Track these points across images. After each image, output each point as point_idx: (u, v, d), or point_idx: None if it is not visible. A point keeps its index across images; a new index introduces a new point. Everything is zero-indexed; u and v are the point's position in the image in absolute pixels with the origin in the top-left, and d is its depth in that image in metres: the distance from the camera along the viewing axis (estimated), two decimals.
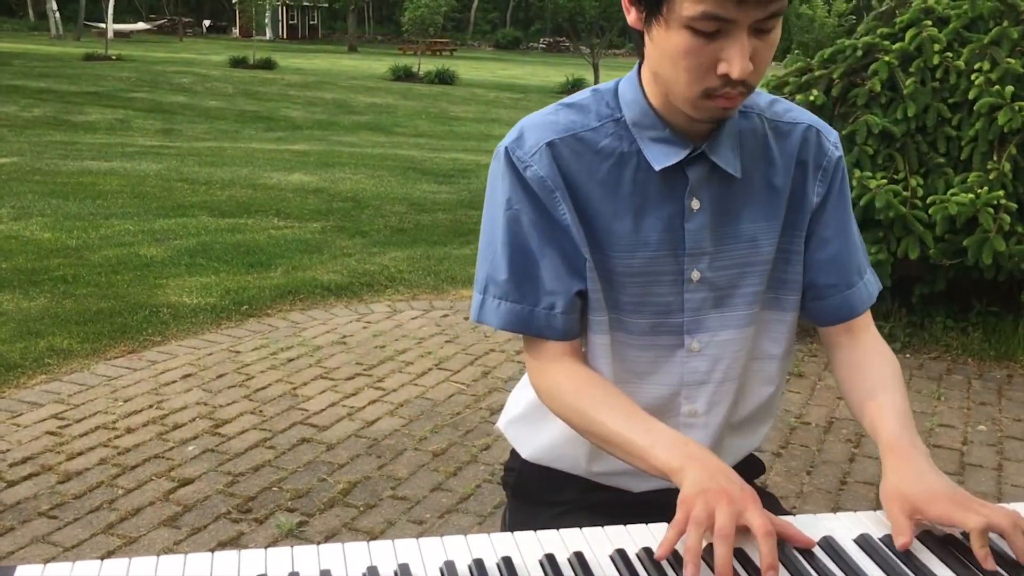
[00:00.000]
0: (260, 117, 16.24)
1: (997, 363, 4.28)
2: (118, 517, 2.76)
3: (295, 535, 2.70)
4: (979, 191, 4.12)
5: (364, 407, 3.61)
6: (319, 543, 2.68)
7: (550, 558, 1.02)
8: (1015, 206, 4.12)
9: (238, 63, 26.98)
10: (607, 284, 1.24)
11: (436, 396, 3.75)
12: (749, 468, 1.47)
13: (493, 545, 1.06)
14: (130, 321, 4.44)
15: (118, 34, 42.24)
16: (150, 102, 16.75)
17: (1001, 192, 4.11)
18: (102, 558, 2.55)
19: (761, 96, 1.29)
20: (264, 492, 2.94)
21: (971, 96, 4.36)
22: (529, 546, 1.06)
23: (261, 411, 3.55)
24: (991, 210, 4.06)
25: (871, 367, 1.30)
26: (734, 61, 1.06)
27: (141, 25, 50.81)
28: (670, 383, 1.29)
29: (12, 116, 14.15)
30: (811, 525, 1.10)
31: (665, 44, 1.10)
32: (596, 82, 23.56)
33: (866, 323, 1.36)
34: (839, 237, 1.31)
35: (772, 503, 1.48)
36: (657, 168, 1.20)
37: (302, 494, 2.93)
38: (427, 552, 1.04)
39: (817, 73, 4.73)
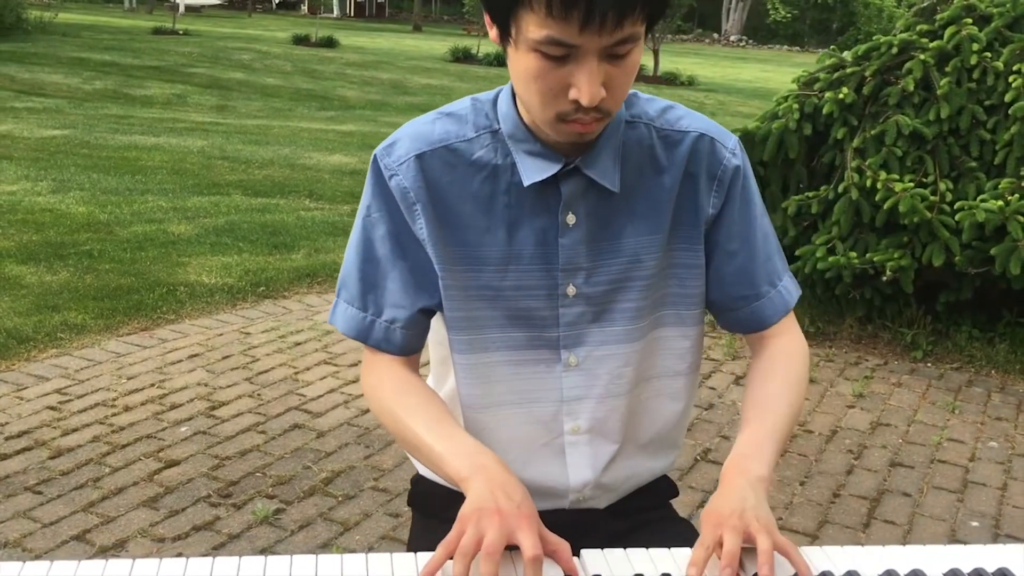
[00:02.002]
0: (315, 96, 16.37)
1: (1022, 377, 4.13)
2: (100, 496, 2.80)
3: (270, 522, 2.71)
4: (1009, 198, 3.97)
5: (361, 395, 3.61)
6: (292, 532, 2.70)
7: None
8: None
9: (300, 40, 27.20)
10: (478, 300, 1.21)
11: None
12: (660, 490, 1.42)
13: (345, 564, 1.03)
14: (146, 298, 4.50)
15: (189, 8, 42.83)
16: (209, 78, 16.98)
17: None
18: (76, 537, 2.57)
19: (653, 103, 1.25)
20: (247, 477, 2.96)
21: (1008, 99, 4.20)
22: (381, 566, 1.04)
23: (259, 395, 3.57)
24: (1021, 218, 3.91)
25: (768, 380, 1.28)
26: (583, 87, 1.03)
27: (212, 0, 51.45)
28: (550, 399, 1.26)
29: (73, 88, 14.47)
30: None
31: (517, 65, 1.08)
32: (656, 70, 23.27)
33: (781, 329, 1.33)
34: (744, 248, 1.28)
35: (686, 529, 1.44)
36: (526, 183, 1.17)
37: (284, 481, 2.94)
38: (269, 568, 1.02)
39: (849, 70, 4.59)
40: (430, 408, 1.21)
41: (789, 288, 1.33)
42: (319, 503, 2.83)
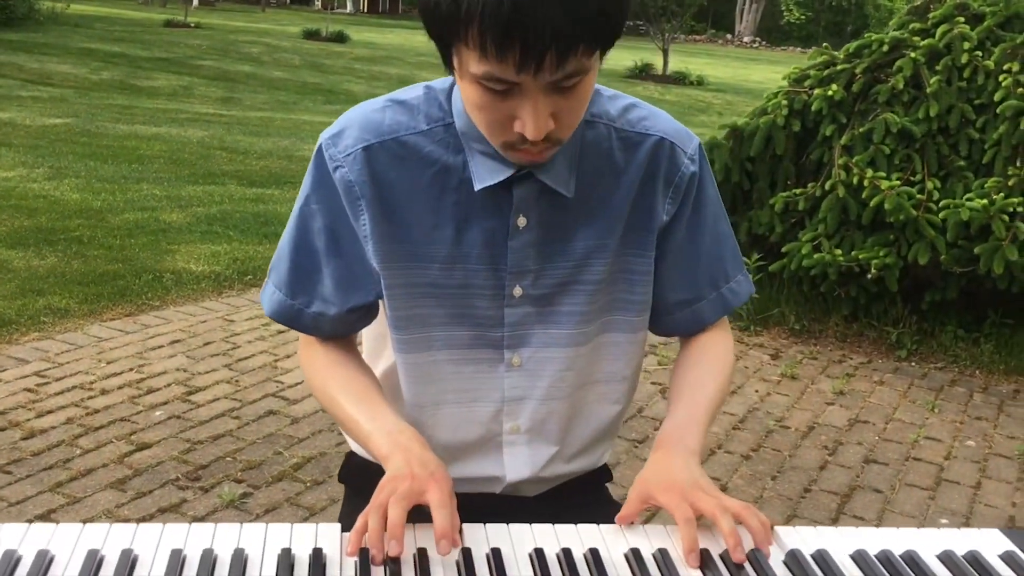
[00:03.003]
0: (321, 90, 16.38)
1: (1006, 377, 4.11)
2: (68, 476, 2.81)
3: (236, 506, 2.71)
4: (995, 197, 3.95)
5: None
6: (257, 516, 2.70)
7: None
8: None
9: (311, 35, 27.23)
10: (422, 298, 1.19)
11: None
12: (594, 477, 1.42)
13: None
14: (132, 285, 4.51)
15: (204, 2, 42.93)
16: (216, 70, 17.00)
17: (1019, 199, 3.94)
18: (41, 516, 2.59)
19: (616, 101, 1.21)
20: (217, 461, 2.96)
21: (997, 98, 4.18)
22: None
23: (237, 381, 3.58)
24: (1006, 217, 3.90)
25: (696, 365, 1.30)
26: (528, 122, 1.00)
27: None
28: (492, 399, 1.25)
29: (81, 78, 14.51)
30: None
31: (463, 91, 1.05)
32: (665, 69, 23.20)
33: (714, 327, 1.33)
34: (691, 254, 1.27)
35: (617, 512, 1.43)
36: (477, 187, 1.13)
37: (254, 466, 2.95)
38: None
39: (840, 67, 4.58)
40: (359, 385, 1.21)
41: (735, 289, 1.31)
42: (287, 488, 2.83)
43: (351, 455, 1.42)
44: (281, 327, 4.14)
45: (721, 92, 20.94)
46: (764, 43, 46.50)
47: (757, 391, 3.82)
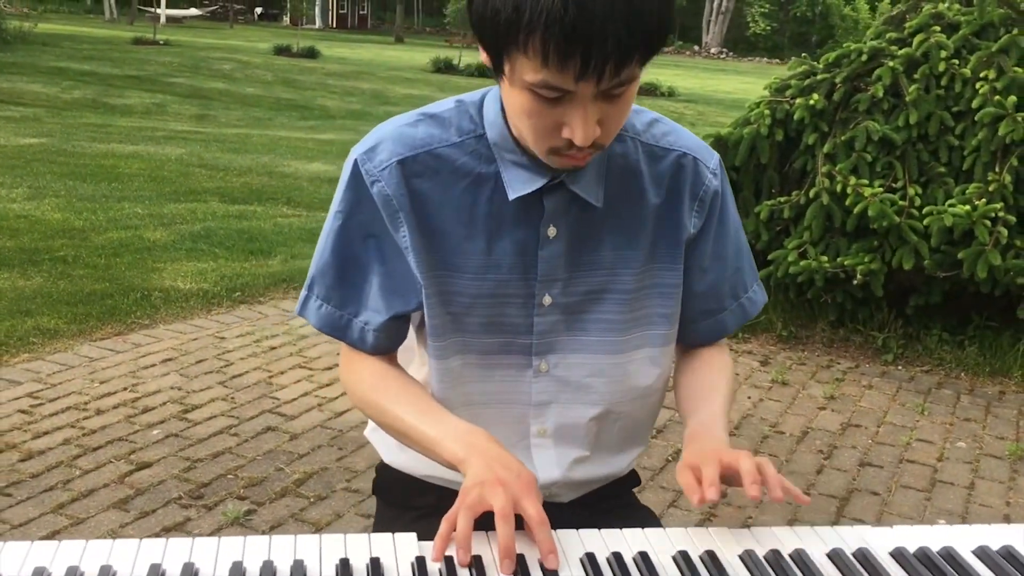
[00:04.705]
0: (295, 106, 16.36)
1: (991, 379, 4.18)
2: (70, 497, 2.79)
3: (241, 523, 2.71)
4: (977, 203, 4.03)
5: (336, 398, 3.62)
6: (263, 533, 2.70)
7: (343, 562, 1.01)
8: (1014, 219, 4.02)
9: (282, 51, 27.19)
10: (455, 306, 1.21)
11: None
12: (623, 481, 1.44)
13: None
14: (120, 304, 4.49)
15: (171, 19, 42.76)
16: (189, 87, 16.94)
17: (1000, 204, 4.01)
18: (46, 538, 2.57)
19: (641, 116, 1.25)
20: (219, 479, 2.95)
21: (975, 105, 4.26)
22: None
23: (233, 398, 3.57)
24: (988, 222, 3.97)
25: (705, 373, 1.34)
26: (576, 129, 1.03)
27: (193, 11, 51.31)
28: (519, 402, 1.27)
29: (52, 97, 14.40)
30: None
31: (510, 99, 1.07)
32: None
33: None
34: (716, 266, 1.30)
35: (646, 516, 1.46)
36: (511, 197, 1.16)
37: (256, 482, 2.94)
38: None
39: (820, 77, 4.65)
40: (413, 394, 1.22)
41: (753, 299, 1.35)
42: (291, 504, 2.83)
43: (384, 467, 1.43)
44: (273, 343, 4.17)
45: (692, 103, 21.12)
46: (731, 54, 46.95)
47: (750, 397, 3.86)
